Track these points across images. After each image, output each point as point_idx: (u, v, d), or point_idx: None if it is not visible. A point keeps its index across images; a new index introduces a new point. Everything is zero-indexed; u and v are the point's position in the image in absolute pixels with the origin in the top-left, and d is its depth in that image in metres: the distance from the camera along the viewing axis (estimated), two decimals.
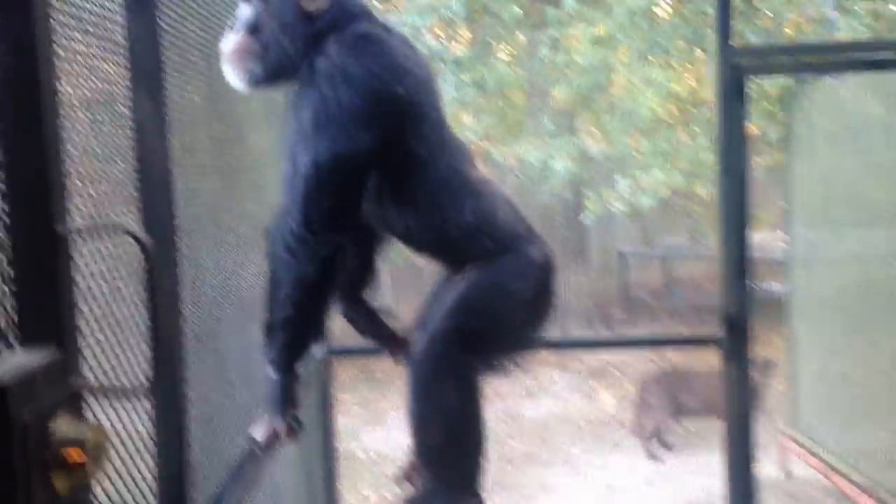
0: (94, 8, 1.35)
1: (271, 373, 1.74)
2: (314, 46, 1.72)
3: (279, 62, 1.76)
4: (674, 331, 7.28)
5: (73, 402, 0.88)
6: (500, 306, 1.84)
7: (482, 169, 1.98)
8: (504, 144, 7.19)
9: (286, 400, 1.73)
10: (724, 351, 2.83)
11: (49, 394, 0.83)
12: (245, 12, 1.77)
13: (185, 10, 1.75)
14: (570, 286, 8.53)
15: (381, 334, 2.10)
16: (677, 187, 6.52)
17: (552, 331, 2.15)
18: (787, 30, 5.74)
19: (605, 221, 7.55)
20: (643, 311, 8.84)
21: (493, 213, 1.90)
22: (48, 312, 0.88)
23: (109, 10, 1.41)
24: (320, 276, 1.68)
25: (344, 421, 3.71)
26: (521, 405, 6.60)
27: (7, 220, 0.88)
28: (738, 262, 2.84)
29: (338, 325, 3.06)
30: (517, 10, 6.26)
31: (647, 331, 7.75)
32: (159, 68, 1.49)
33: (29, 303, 0.88)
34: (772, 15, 5.56)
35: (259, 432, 1.74)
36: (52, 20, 1.02)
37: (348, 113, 1.64)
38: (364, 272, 2.13)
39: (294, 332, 1.72)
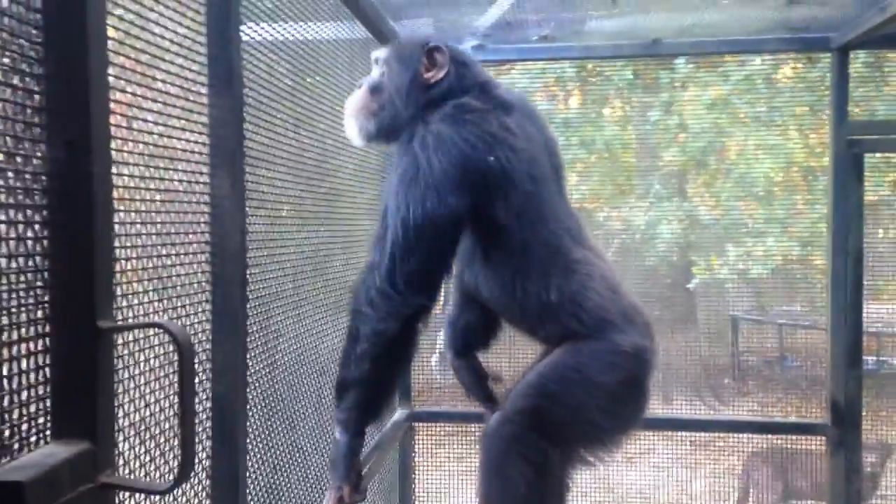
0: (177, 81, 1.39)
1: (338, 433, 1.72)
2: (424, 113, 1.78)
3: (391, 123, 1.86)
4: (784, 403, 6.89)
5: (102, 497, 0.87)
6: (579, 394, 1.77)
7: (593, 245, 1.93)
8: (611, 206, 7.07)
9: (351, 464, 1.71)
10: (830, 440, 2.64)
11: (76, 489, 0.83)
12: (374, 73, 1.89)
13: (270, 90, 1.79)
14: (678, 351, 8.24)
15: (480, 395, 2.10)
16: (792, 256, 6.22)
17: (654, 399, 2.08)
18: None
19: (717, 286, 7.27)
20: (755, 379, 8.42)
21: (583, 295, 1.85)
22: (84, 407, 0.89)
23: (190, 85, 1.44)
24: (399, 335, 1.67)
25: (425, 486, 3.67)
26: (619, 472, 6.37)
27: (49, 312, 0.89)
28: (850, 346, 2.66)
29: (422, 388, 3.03)
30: (629, 74, 6.19)
31: (757, 401, 7.35)
32: (240, 148, 1.52)
33: (65, 396, 0.89)
34: None
35: (326, 500, 1.72)
36: (115, 77, 1.04)
37: (438, 176, 1.65)
38: (484, 331, 2.13)
39: (367, 390, 1.70)
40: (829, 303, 2.61)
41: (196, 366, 1.04)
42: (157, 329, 1.04)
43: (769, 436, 5.44)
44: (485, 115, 1.79)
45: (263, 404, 1.71)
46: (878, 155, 5.48)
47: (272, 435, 1.77)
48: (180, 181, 1.42)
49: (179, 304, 1.38)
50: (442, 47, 1.87)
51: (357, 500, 1.71)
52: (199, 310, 1.44)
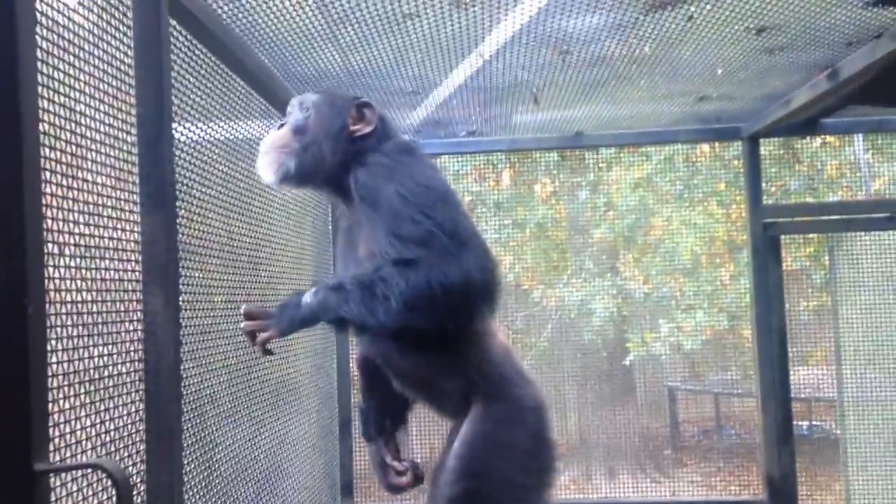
0: (109, 203, 1.39)
1: (310, 297, 1.75)
2: (351, 161, 1.86)
3: (312, 165, 1.91)
4: (724, 472, 6.97)
5: None
6: (500, 462, 1.82)
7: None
8: (545, 284, 7.20)
9: (293, 327, 1.79)
10: None
11: None
12: (295, 115, 1.93)
13: (204, 200, 1.81)
14: (618, 424, 8.30)
15: (385, 483, 2.10)
16: (721, 328, 6.40)
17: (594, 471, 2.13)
18: (827, 173, 5.74)
19: (653, 357, 7.42)
20: (693, 449, 8.52)
21: (487, 352, 1.93)
22: None
23: (123, 203, 1.45)
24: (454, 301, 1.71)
25: None
26: None
27: None
28: (780, 421, 2.73)
29: None
30: (555, 156, 6.40)
31: (698, 471, 7.42)
32: (174, 265, 1.53)
33: None
34: (808, 160, 5.58)
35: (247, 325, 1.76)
36: (50, 219, 1.05)
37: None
38: (392, 411, 2.14)
39: (366, 318, 1.70)
40: (757, 379, 2.71)
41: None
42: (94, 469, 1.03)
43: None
44: (424, 155, 1.96)
45: None
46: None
47: None
48: (113, 301, 1.42)
49: (113, 426, 1.36)
50: (372, 105, 1.96)
51: (265, 348, 1.74)
52: (133, 430, 1.42)
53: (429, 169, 1.88)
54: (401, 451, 2.12)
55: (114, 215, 1.42)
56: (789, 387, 2.65)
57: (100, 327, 1.34)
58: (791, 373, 2.98)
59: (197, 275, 1.81)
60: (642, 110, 3.29)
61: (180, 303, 1.60)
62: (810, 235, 5.99)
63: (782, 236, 2.78)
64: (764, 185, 3.24)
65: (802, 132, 3.47)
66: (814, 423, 7.92)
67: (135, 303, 1.46)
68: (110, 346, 1.38)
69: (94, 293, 1.33)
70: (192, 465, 1.60)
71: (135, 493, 1.05)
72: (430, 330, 1.70)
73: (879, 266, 4.21)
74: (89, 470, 1.06)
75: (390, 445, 2.10)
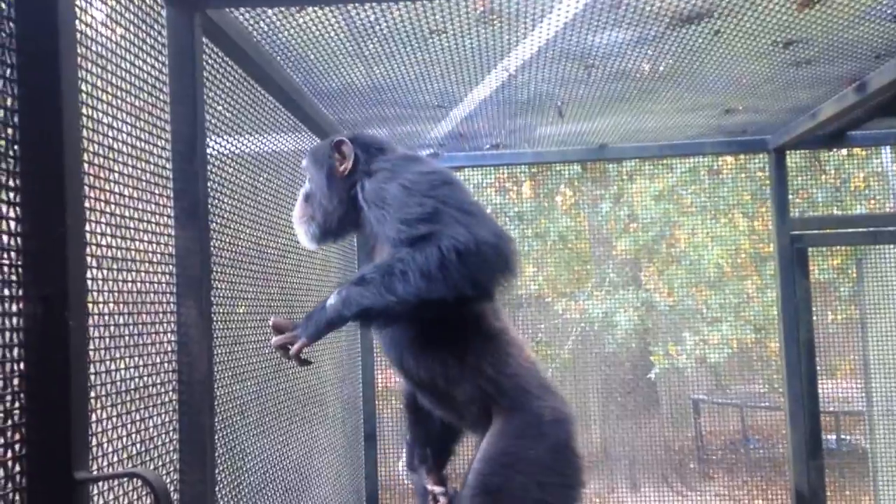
0: (145, 217, 1.43)
1: (334, 300, 1.74)
2: (357, 191, 1.91)
3: (326, 221, 1.98)
4: (750, 486, 6.90)
5: None
6: (518, 477, 1.81)
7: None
8: (567, 297, 7.19)
9: (323, 332, 1.77)
10: None
11: None
12: (306, 182, 2.01)
13: (234, 212, 1.84)
14: (642, 436, 8.24)
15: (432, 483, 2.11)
16: (747, 341, 6.35)
17: (617, 484, 2.11)
18: (853, 184, 5.70)
19: (677, 369, 7.37)
20: (719, 462, 8.44)
21: (504, 362, 1.93)
22: None
23: (158, 217, 1.49)
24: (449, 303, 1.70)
25: None
26: None
27: (26, 465, 0.90)
28: (809, 435, 2.71)
29: None
30: (577, 167, 6.40)
31: (723, 485, 7.34)
32: (207, 277, 1.55)
33: None
34: (834, 172, 5.53)
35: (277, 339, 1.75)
36: (90, 233, 1.08)
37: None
38: (436, 444, 2.15)
39: (396, 305, 1.70)
40: (785, 392, 2.69)
41: None
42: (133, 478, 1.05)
43: None
44: (425, 158, 2.00)
45: None
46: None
47: None
48: (148, 313, 1.44)
49: (147, 436, 1.39)
50: (344, 139, 2.00)
51: (301, 359, 1.73)
52: (167, 440, 1.44)
53: (430, 164, 1.91)
54: (446, 481, 2.13)
55: (149, 229, 1.45)
56: (818, 400, 2.63)
57: (135, 338, 1.37)
58: (819, 386, 2.96)
59: (227, 286, 1.84)
60: (667, 123, 3.28)
61: (212, 314, 1.62)
62: (837, 247, 5.96)
63: (809, 248, 2.76)
64: (790, 196, 3.23)
65: (829, 144, 3.46)
66: (842, 436, 7.83)
67: (169, 314, 1.49)
68: (145, 358, 1.41)
69: (129, 305, 1.37)
70: (224, 475, 1.63)
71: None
72: (450, 304, 1.68)
73: None
74: (127, 479, 1.08)
75: (432, 474, 2.11)
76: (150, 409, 1.39)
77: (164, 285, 1.51)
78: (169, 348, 1.49)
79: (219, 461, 1.63)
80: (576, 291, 7.18)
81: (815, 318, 3.11)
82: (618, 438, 8.53)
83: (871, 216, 3.98)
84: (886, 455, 4.44)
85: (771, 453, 7.93)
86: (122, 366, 1.31)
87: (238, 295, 1.92)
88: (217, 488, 1.58)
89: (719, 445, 8.98)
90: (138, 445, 1.35)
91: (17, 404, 0.89)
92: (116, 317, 1.31)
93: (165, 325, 1.49)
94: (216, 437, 1.61)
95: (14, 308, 0.91)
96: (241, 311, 2.01)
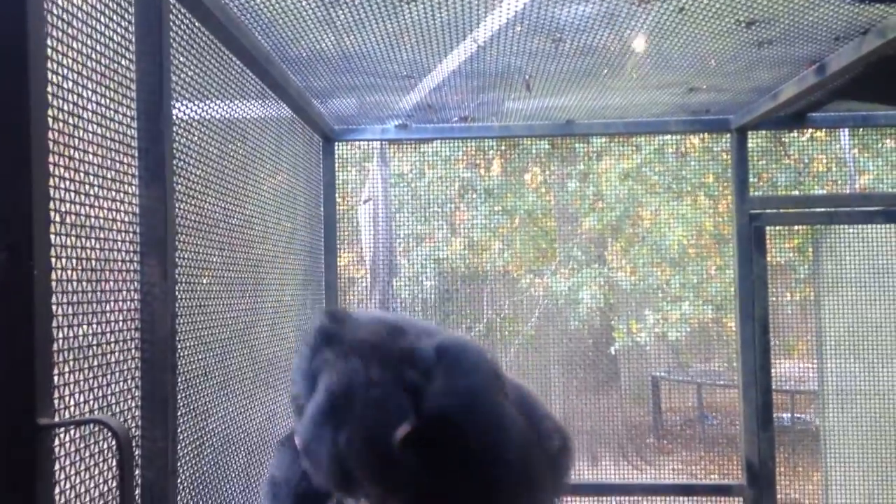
0: (108, 175, 1.43)
1: None
2: None
3: None
4: (706, 461, 7.06)
5: None
6: None
7: None
8: (533, 272, 7.27)
9: None
10: (747, 500, 2.75)
11: None
12: None
13: (199, 177, 1.85)
14: (601, 411, 8.38)
15: None
16: (706, 319, 6.48)
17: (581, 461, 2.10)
18: (814, 167, 5.81)
19: (638, 347, 7.49)
20: (676, 438, 8.62)
21: None
22: (24, 497, 0.91)
23: (122, 176, 1.49)
24: None
25: None
26: None
27: None
28: (761, 408, 2.79)
29: None
30: (546, 144, 6.45)
31: (679, 460, 7.51)
32: (171, 236, 1.56)
33: (6, 492, 0.91)
34: (797, 154, 5.64)
35: None
36: (53, 188, 1.09)
37: None
38: None
39: None
40: (739, 366, 2.77)
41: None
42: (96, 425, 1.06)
43: (690, 497, 5.54)
44: None
45: (192, 488, 1.72)
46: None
47: None
48: (111, 271, 1.45)
49: (109, 391, 1.40)
50: None
51: None
52: (129, 396, 1.46)
53: None
54: None
55: (113, 187, 1.46)
56: (770, 375, 2.71)
57: (97, 295, 1.37)
58: (773, 364, 3.04)
59: (191, 251, 1.85)
60: (633, 100, 3.33)
61: (176, 276, 1.63)
62: (796, 228, 6.09)
63: (768, 228, 2.83)
64: (752, 178, 3.29)
65: (790, 125, 3.53)
66: (796, 414, 8.03)
67: (132, 273, 1.50)
68: (108, 315, 1.42)
69: (92, 262, 1.37)
70: (186, 433, 1.65)
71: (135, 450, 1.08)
72: None
73: (862, 260, 4.29)
74: (91, 426, 1.10)
75: None
76: (112, 365, 1.40)
77: (127, 244, 1.52)
78: (132, 306, 1.50)
79: (181, 420, 1.65)
80: (541, 268, 7.25)
81: (772, 298, 3.19)
82: (578, 413, 8.67)
83: (827, 196, 4.08)
84: (836, 432, 4.58)
85: (727, 430, 8.13)
86: (85, 321, 1.32)
87: (202, 260, 1.93)
88: (179, 447, 1.60)
89: (677, 422, 9.17)
90: (100, 401, 1.36)
91: None
92: (79, 272, 1.32)
93: (129, 283, 1.50)
94: (178, 396, 1.62)
95: None
96: (205, 281, 2.02)
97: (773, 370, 2.99)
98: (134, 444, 1.35)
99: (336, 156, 3.85)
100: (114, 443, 0.93)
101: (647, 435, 8.47)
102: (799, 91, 2.86)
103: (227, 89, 2.35)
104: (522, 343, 8.28)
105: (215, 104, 2.22)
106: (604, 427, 8.11)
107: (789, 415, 8.19)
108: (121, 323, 1.47)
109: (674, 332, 6.21)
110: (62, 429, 1.01)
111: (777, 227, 5.86)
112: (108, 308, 1.42)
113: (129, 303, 1.51)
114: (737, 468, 4.79)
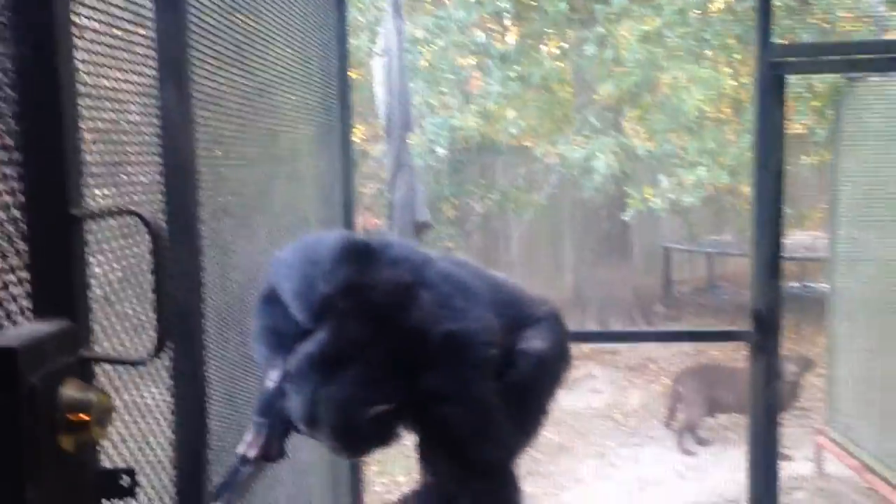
0: None
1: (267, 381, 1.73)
2: None
3: None
4: (713, 327, 7.23)
5: (83, 371, 0.95)
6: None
7: None
8: (547, 141, 7.20)
9: (272, 413, 1.69)
10: (752, 346, 2.84)
11: (58, 361, 0.90)
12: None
13: (214, 2, 1.82)
14: (613, 281, 8.52)
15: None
16: (721, 185, 6.46)
17: (587, 324, 2.17)
18: (840, 25, 5.64)
19: (650, 217, 7.51)
20: (685, 307, 8.78)
21: None
22: (61, 288, 0.95)
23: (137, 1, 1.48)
24: None
25: None
26: (559, 398, 6.56)
27: (24, 200, 0.95)
28: (770, 258, 2.84)
29: None
30: (564, 6, 6.25)
31: (687, 327, 7.69)
32: (186, 59, 1.56)
33: (43, 279, 0.95)
34: (822, 13, 5.46)
35: (243, 446, 1.71)
36: (74, 7, 1.09)
37: None
38: None
39: None
40: (753, 217, 2.77)
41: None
42: (129, 216, 1.09)
43: (702, 345, 5.67)
44: None
45: (216, 314, 1.78)
46: (802, 84, 5.71)
47: (227, 343, 1.84)
48: (129, 92, 1.45)
49: (133, 190, 1.42)
50: None
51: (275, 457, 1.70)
52: (154, 199, 1.49)
53: None
54: None
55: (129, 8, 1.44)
56: (781, 226, 2.72)
57: (118, 114, 1.38)
58: (786, 235, 3.05)
59: (209, 83, 1.83)
60: None
61: (193, 103, 1.63)
62: (818, 88, 5.97)
63: (791, 81, 2.78)
64: (777, 40, 3.20)
65: None
66: (806, 283, 8.14)
67: (152, 98, 1.50)
68: (130, 136, 1.43)
69: (112, 80, 1.37)
70: (209, 260, 1.69)
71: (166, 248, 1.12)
72: None
73: (883, 122, 4.22)
74: (123, 216, 1.13)
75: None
76: (136, 166, 1.42)
77: (145, 68, 1.51)
78: (152, 131, 1.51)
79: (205, 246, 1.68)
80: (556, 136, 7.18)
81: (789, 166, 3.18)
82: (589, 283, 8.81)
83: (850, 44, 3.96)
84: (844, 298, 4.65)
85: (735, 299, 8.26)
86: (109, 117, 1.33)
87: (220, 92, 1.90)
88: (203, 274, 1.64)
89: (686, 292, 9.31)
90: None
91: (13, 142, 0.93)
92: (100, 89, 1.32)
93: (148, 106, 1.51)
94: (200, 224, 1.65)
95: (5, 49, 0.93)
96: (230, 107, 2.00)
97: (784, 240, 2.99)
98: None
99: (348, 18, 3.73)
100: (148, 235, 0.96)
101: (656, 304, 8.60)
102: None
103: None
104: (535, 213, 8.30)
105: None
106: (614, 296, 8.27)
107: (799, 283, 8.29)
108: (141, 146, 1.47)
109: (688, 197, 6.20)
110: (95, 219, 1.04)
111: (798, 90, 5.76)
112: (130, 129, 1.43)
113: (149, 126, 1.51)
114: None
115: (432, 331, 1.54)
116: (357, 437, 1.53)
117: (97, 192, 1.23)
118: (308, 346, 1.55)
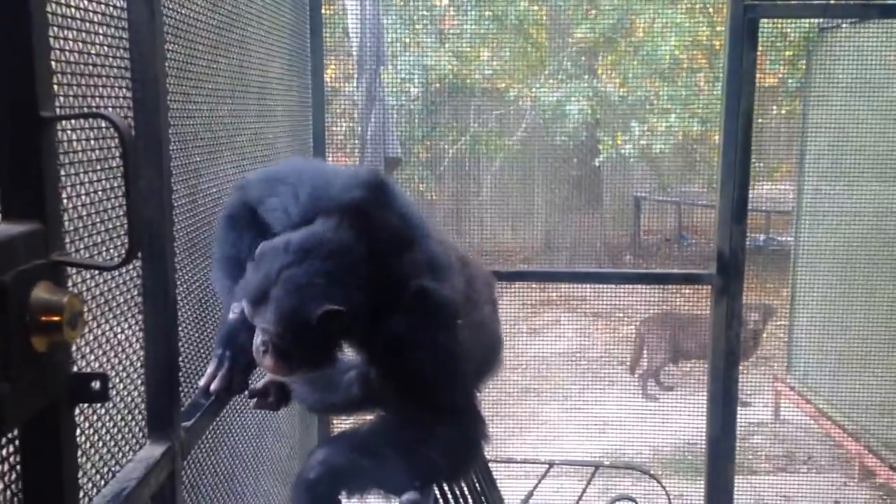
0: None
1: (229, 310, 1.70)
2: None
3: None
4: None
5: (55, 274, 0.95)
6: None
7: None
8: (521, 83, 7.16)
9: (234, 345, 1.69)
10: (714, 289, 2.88)
11: (30, 262, 0.90)
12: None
13: None
14: (583, 229, 8.58)
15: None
16: (692, 132, 6.49)
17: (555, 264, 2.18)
18: None
19: (622, 166, 7.54)
20: (653, 256, 8.90)
21: None
22: (32, 191, 0.95)
23: None
24: None
25: None
26: (525, 343, 6.74)
27: None
28: (737, 202, 2.88)
29: None
30: None
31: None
32: None
33: (14, 181, 0.94)
34: None
35: (206, 378, 1.71)
36: None
37: None
38: None
39: None
40: (720, 160, 2.81)
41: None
42: (97, 119, 1.08)
43: (663, 290, 5.76)
44: None
45: (186, 236, 1.79)
46: (775, 33, 5.71)
47: (195, 266, 1.85)
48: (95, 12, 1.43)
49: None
50: None
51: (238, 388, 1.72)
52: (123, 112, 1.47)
53: None
54: None
55: None
56: (748, 171, 2.77)
57: (86, 24, 1.36)
58: (753, 187, 3.09)
59: (179, 11, 1.81)
60: None
61: (162, 15, 1.60)
62: (791, 38, 5.98)
63: (763, 23, 2.79)
64: None
65: None
66: (771, 236, 8.27)
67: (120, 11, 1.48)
68: (97, 47, 1.41)
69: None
70: (178, 179, 1.68)
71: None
72: None
73: (853, 72, 4.26)
74: (91, 118, 1.12)
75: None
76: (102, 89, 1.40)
77: None
78: (120, 44, 1.48)
79: (174, 166, 1.67)
80: (530, 79, 7.15)
81: (758, 118, 3.21)
82: (559, 231, 8.86)
83: None
84: (806, 247, 4.75)
85: (703, 249, 8.38)
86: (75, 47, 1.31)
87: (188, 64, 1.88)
88: (174, 196, 1.64)
89: (654, 242, 9.42)
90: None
91: None
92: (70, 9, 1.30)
93: (116, 20, 1.48)
94: (171, 141, 1.63)
95: None
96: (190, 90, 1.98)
97: (751, 190, 3.04)
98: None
99: None
100: (117, 138, 0.96)
101: (625, 253, 8.72)
102: None
103: None
104: (507, 157, 8.30)
105: None
106: (583, 244, 8.35)
107: (764, 235, 8.43)
108: (109, 58, 1.45)
109: (659, 143, 6.23)
110: (64, 121, 1.03)
111: (772, 38, 5.76)
112: (96, 41, 1.41)
113: (117, 40, 1.49)
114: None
115: (412, 283, 1.57)
116: (300, 331, 1.48)
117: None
118: (292, 234, 1.52)
